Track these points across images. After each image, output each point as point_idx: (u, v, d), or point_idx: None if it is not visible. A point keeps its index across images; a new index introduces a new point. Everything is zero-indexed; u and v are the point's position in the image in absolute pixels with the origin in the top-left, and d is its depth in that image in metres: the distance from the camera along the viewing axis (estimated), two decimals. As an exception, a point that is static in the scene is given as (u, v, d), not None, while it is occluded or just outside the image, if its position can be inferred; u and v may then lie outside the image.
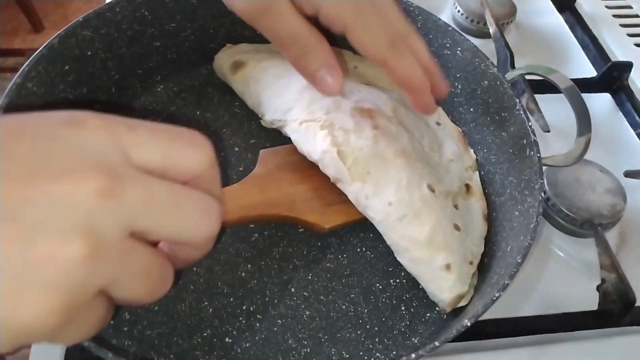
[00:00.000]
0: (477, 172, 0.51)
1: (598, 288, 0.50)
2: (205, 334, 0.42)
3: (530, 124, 0.45)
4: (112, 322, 0.42)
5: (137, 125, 0.26)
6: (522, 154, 0.45)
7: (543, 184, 0.41)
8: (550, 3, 0.83)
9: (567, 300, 0.51)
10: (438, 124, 0.53)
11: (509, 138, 0.47)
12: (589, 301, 0.50)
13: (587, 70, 0.74)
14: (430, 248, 0.42)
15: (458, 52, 0.52)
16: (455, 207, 0.47)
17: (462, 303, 0.43)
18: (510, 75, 0.54)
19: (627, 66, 0.70)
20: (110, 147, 0.24)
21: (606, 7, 0.84)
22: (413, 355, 0.33)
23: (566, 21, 0.81)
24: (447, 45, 0.52)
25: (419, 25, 0.54)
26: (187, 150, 0.26)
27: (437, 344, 0.33)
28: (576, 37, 0.78)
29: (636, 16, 0.83)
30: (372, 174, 0.43)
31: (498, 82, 0.48)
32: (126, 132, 0.25)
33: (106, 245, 0.22)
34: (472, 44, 0.51)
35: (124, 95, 0.54)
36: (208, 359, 0.41)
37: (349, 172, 0.43)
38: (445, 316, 0.45)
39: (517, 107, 0.46)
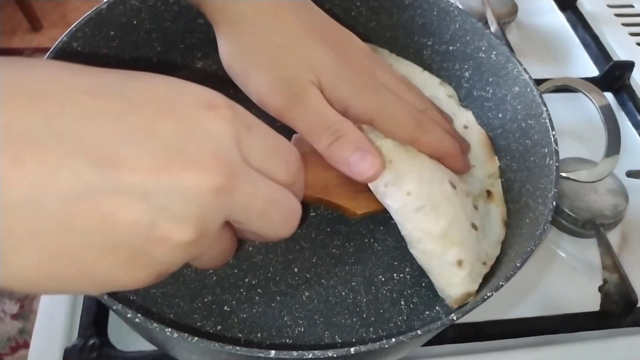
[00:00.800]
0: (499, 180, 0.50)
1: (600, 289, 0.49)
2: (205, 300, 0.44)
3: (554, 132, 0.44)
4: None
5: (254, 127, 0.28)
6: (541, 162, 0.44)
7: (556, 193, 0.41)
8: (552, 2, 0.82)
9: (568, 301, 0.50)
10: (465, 127, 0.53)
11: (532, 146, 0.47)
12: (591, 302, 0.49)
13: (589, 69, 0.73)
14: (444, 242, 0.42)
15: (493, 55, 0.51)
16: (475, 207, 0.46)
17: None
18: (545, 86, 0.53)
19: (629, 65, 0.69)
20: (233, 142, 0.26)
21: (608, 6, 0.82)
22: (393, 340, 0.33)
23: (568, 20, 0.80)
24: (483, 48, 0.52)
25: (457, 27, 0.54)
26: (281, 166, 0.29)
27: (419, 332, 0.34)
28: (578, 36, 0.77)
29: (638, 15, 0.81)
30: (394, 163, 0.43)
31: (528, 89, 0.48)
32: (245, 131, 0.27)
33: (207, 234, 0.25)
34: (507, 48, 0.50)
35: (164, 67, 0.57)
36: (205, 323, 0.43)
37: None
38: (443, 316, 0.45)
39: (544, 115, 0.46)
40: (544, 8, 0.82)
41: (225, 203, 0.25)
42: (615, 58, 0.72)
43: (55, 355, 0.44)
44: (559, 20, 0.80)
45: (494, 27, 0.67)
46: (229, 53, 0.43)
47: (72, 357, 0.43)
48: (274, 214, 0.28)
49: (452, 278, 0.42)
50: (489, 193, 0.49)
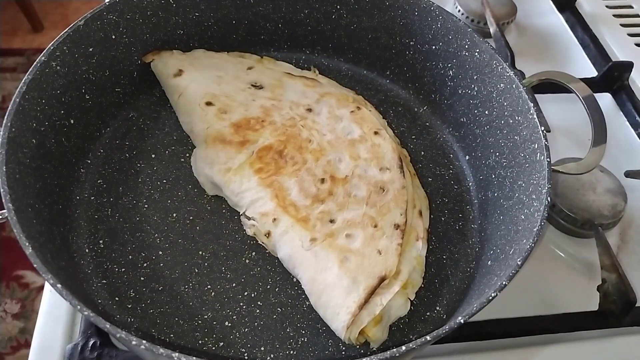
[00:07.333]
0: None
1: (598, 288, 0.49)
2: (205, 317, 0.43)
3: (542, 128, 0.45)
4: (116, 298, 0.43)
5: None
6: (532, 158, 0.45)
7: (550, 189, 0.41)
8: (551, 3, 0.82)
9: (567, 300, 0.50)
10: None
11: (521, 142, 0.47)
12: (590, 301, 0.49)
13: (588, 70, 0.73)
14: None
15: (476, 54, 0.51)
16: None
17: None
18: (528, 80, 0.53)
19: (627, 66, 0.69)
20: None
21: (607, 6, 0.83)
22: (403, 348, 0.33)
23: (567, 21, 0.80)
24: (466, 46, 0.52)
25: (439, 26, 0.54)
26: None
27: (428, 338, 0.33)
28: (577, 37, 0.78)
29: (637, 16, 0.82)
30: None
31: (514, 85, 0.48)
32: None
33: None
34: (490, 46, 0.50)
35: (145, 80, 0.56)
36: (207, 341, 0.42)
37: None
38: (445, 316, 0.45)
39: (531, 111, 0.46)
40: (543, 9, 0.82)
41: None
42: (614, 59, 0.73)
43: (56, 354, 0.44)
44: (558, 21, 0.80)
45: (493, 28, 0.67)
46: None
47: (73, 357, 0.42)
48: None
49: None
50: None
